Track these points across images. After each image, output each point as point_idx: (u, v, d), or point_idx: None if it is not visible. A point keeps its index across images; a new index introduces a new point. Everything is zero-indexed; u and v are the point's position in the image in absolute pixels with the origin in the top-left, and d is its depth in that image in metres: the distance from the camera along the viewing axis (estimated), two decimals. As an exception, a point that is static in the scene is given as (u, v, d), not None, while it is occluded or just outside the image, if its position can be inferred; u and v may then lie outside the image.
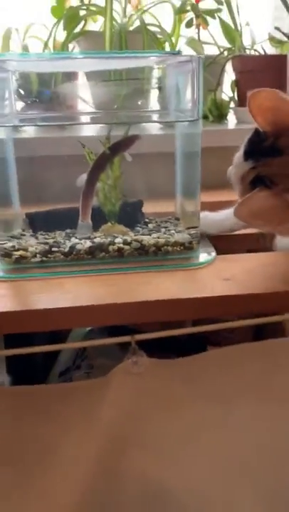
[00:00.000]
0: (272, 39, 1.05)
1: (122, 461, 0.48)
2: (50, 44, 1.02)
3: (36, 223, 0.65)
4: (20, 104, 0.70)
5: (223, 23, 1.10)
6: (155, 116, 0.75)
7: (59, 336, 0.71)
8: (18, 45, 1.02)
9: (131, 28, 1.02)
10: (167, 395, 0.52)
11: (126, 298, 0.52)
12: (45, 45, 1.01)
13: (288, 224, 0.52)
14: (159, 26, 1.02)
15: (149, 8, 1.05)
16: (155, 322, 0.56)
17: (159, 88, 0.72)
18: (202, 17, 1.07)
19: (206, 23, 1.07)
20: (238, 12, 1.11)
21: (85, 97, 0.73)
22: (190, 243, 0.61)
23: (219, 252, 0.64)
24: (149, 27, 1.00)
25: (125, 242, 0.60)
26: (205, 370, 0.53)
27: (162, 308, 0.51)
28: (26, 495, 0.50)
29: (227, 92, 1.10)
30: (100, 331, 0.70)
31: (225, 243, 0.72)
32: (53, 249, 0.59)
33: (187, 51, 1.08)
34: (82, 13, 1.02)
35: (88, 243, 0.59)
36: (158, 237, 0.61)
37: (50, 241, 0.61)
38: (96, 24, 1.07)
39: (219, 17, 1.09)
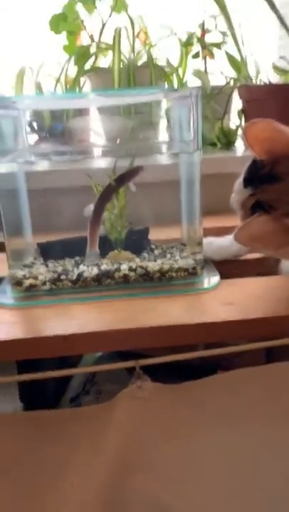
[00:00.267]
0: (276, 68, 1.08)
1: (128, 485, 0.49)
2: (62, 79, 1.08)
3: (47, 252, 0.68)
4: (34, 137, 0.74)
5: (228, 54, 1.14)
6: (161, 147, 0.78)
7: (71, 361, 0.73)
8: (31, 82, 1.07)
9: (139, 63, 1.06)
10: (172, 419, 0.53)
11: (131, 324, 0.53)
12: (57, 80, 1.06)
13: (288, 248, 0.53)
14: (167, 60, 1.06)
15: (157, 43, 1.09)
16: (165, 346, 0.57)
17: (166, 120, 0.75)
18: (208, 49, 1.11)
19: (212, 55, 1.11)
20: (242, 43, 1.15)
21: (97, 129, 0.77)
22: (194, 269, 0.62)
23: (229, 277, 0.65)
24: (156, 61, 1.04)
25: (130, 269, 0.62)
26: (209, 394, 0.53)
27: (166, 334, 0.52)
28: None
29: (234, 120, 1.13)
30: (109, 357, 0.71)
31: (234, 268, 0.73)
32: (62, 276, 0.61)
33: (194, 82, 1.12)
34: (92, 50, 1.07)
35: (95, 270, 0.61)
36: (162, 263, 0.63)
37: (60, 269, 0.63)
38: (106, 59, 1.12)
39: (225, 49, 1.13)
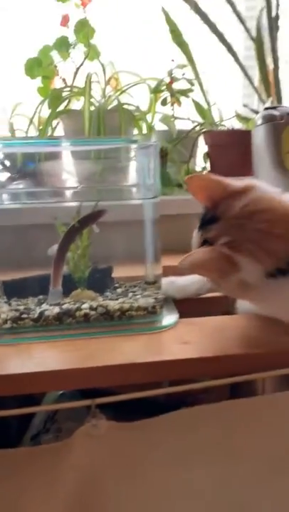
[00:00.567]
0: (238, 116, 1.15)
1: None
2: (36, 120, 1.12)
3: (10, 290, 0.69)
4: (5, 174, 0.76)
5: (195, 102, 1.21)
6: (126, 190, 0.81)
7: (35, 399, 0.73)
8: (5, 122, 1.11)
9: (110, 107, 1.11)
10: (128, 457, 0.54)
11: (89, 363, 0.55)
12: (31, 121, 1.10)
13: (229, 277, 0.57)
14: (136, 106, 1.11)
15: (127, 88, 1.15)
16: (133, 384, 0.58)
17: (130, 166, 0.79)
18: (176, 96, 1.17)
19: (179, 102, 1.17)
20: (208, 91, 1.23)
21: (68, 172, 0.80)
22: (153, 307, 0.65)
23: (190, 315, 0.68)
24: (126, 106, 1.09)
25: (91, 308, 0.63)
26: (164, 432, 0.55)
27: (122, 372, 0.54)
28: None
29: (200, 163, 1.19)
30: (71, 394, 0.72)
31: (194, 306, 0.76)
32: (23, 315, 0.62)
33: (163, 127, 1.18)
34: (65, 93, 1.12)
35: (56, 309, 0.63)
36: (123, 302, 0.65)
37: (22, 307, 0.65)
38: (79, 103, 1.17)
39: (191, 96, 1.19)
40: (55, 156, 0.82)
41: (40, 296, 0.68)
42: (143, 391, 0.54)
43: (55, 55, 1.14)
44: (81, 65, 1.11)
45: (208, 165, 1.16)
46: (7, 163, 0.78)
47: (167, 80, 1.15)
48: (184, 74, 1.17)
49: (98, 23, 1.11)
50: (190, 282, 0.74)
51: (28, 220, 0.82)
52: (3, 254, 0.73)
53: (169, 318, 0.65)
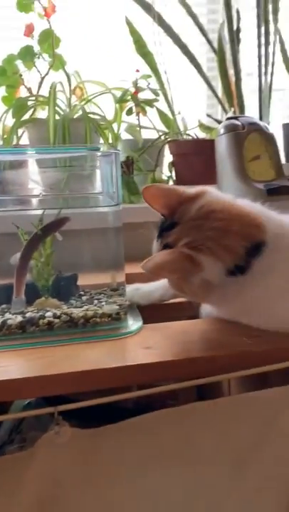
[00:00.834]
0: (201, 125, 1.17)
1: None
2: (0, 129, 1.11)
3: (-27, 299, 0.69)
4: None
5: (159, 111, 1.23)
6: (90, 198, 0.82)
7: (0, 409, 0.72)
8: None
9: (76, 116, 1.12)
10: (92, 464, 0.54)
11: (53, 370, 0.55)
12: (-5, 130, 1.10)
13: (191, 278, 0.59)
14: (101, 115, 1.13)
15: (92, 98, 1.16)
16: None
17: (95, 174, 0.79)
18: (141, 106, 1.19)
19: (144, 111, 1.19)
20: (172, 101, 1.25)
21: (32, 180, 0.80)
22: (117, 314, 0.65)
23: (154, 321, 0.69)
24: (92, 115, 1.10)
25: (55, 316, 0.63)
26: (129, 437, 0.55)
27: (86, 379, 0.54)
28: None
29: (166, 171, 1.20)
30: (36, 403, 0.71)
31: (159, 312, 0.77)
32: (-14, 325, 0.62)
33: (129, 135, 1.19)
34: (30, 103, 1.12)
35: (19, 318, 0.63)
36: (87, 310, 0.65)
37: (-16, 317, 0.64)
38: (44, 112, 1.17)
39: (156, 106, 1.21)
40: (20, 165, 0.82)
41: (4, 306, 0.68)
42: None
43: (20, 64, 1.14)
44: (46, 74, 1.12)
45: (173, 174, 1.18)
46: None
47: (132, 89, 1.17)
48: (148, 84, 1.19)
49: (64, 33, 1.12)
50: (154, 288, 0.75)
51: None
52: None
53: (133, 324, 0.66)
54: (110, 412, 0.62)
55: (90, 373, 0.54)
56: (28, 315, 0.64)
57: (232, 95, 1.28)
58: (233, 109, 1.26)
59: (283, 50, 1.30)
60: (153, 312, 0.74)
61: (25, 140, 1.14)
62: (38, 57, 1.12)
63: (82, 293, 0.74)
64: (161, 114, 1.24)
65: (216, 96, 1.31)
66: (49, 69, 1.12)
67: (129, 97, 1.18)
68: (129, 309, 0.70)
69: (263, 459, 0.59)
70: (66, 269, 0.74)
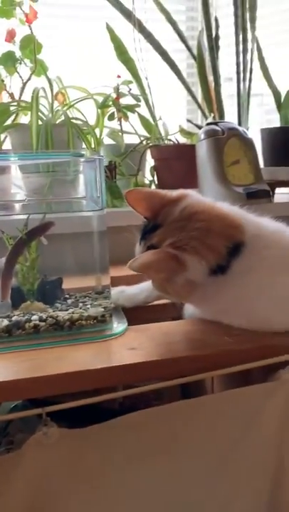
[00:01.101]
0: (182, 131, 1.20)
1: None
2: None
3: None
4: None
5: (141, 116, 1.25)
6: (74, 203, 0.83)
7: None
8: None
9: (58, 121, 1.13)
10: (80, 464, 0.55)
11: (39, 372, 0.55)
12: (-23, 135, 1.10)
13: (176, 278, 0.61)
14: (83, 120, 1.14)
15: (74, 103, 1.17)
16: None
17: (78, 179, 0.81)
18: (122, 111, 1.20)
19: (126, 117, 1.21)
20: (153, 106, 1.27)
21: (16, 185, 0.81)
22: (103, 316, 0.67)
23: (139, 322, 0.70)
24: (75, 120, 1.11)
25: (41, 319, 0.64)
26: (116, 436, 0.56)
27: (72, 380, 0.55)
28: None
29: (148, 176, 1.22)
30: (23, 406, 0.72)
31: (144, 314, 0.78)
32: (-28, 329, 0.62)
33: (111, 140, 1.21)
34: (12, 108, 1.12)
35: (5, 322, 0.63)
36: (73, 312, 0.67)
37: None
38: (27, 117, 1.18)
39: (137, 111, 1.23)
40: (2, 170, 0.82)
41: (-11, 310, 0.69)
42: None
43: (1, 69, 1.14)
44: (28, 79, 1.12)
45: (156, 178, 1.20)
46: None
47: (114, 95, 1.19)
48: (130, 90, 1.21)
49: (45, 39, 1.13)
50: (139, 291, 0.77)
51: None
52: None
53: (118, 326, 0.67)
54: (96, 413, 0.63)
55: (77, 375, 0.56)
56: (14, 318, 0.64)
57: (211, 101, 1.31)
58: (212, 115, 1.29)
59: (261, 57, 1.33)
60: (137, 314, 0.75)
61: (7, 145, 1.15)
62: (20, 63, 1.13)
63: (67, 296, 0.75)
64: (142, 119, 1.25)
65: (196, 101, 1.34)
66: (31, 74, 1.12)
67: (111, 103, 1.19)
68: (114, 311, 0.71)
69: (245, 454, 0.61)
70: (51, 273, 0.75)
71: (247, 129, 1.19)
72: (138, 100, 1.22)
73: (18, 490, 0.53)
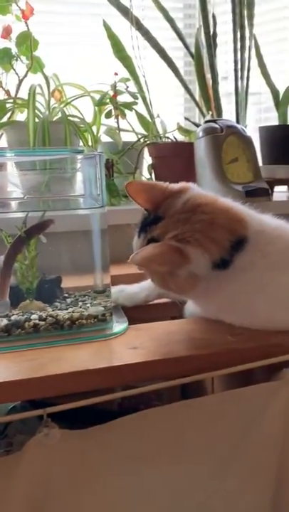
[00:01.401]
0: (180, 128, 1.19)
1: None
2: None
3: None
4: None
5: (138, 114, 1.24)
6: (73, 200, 0.82)
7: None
8: None
9: (55, 119, 1.12)
10: (82, 465, 0.54)
11: (40, 372, 0.55)
12: (-27, 132, 1.09)
13: (179, 271, 0.60)
14: (80, 118, 1.13)
15: (71, 101, 1.16)
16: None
17: (77, 176, 0.80)
18: (120, 109, 1.19)
19: (123, 114, 1.20)
20: (151, 104, 1.26)
21: (13, 183, 0.80)
22: (103, 315, 0.66)
23: (140, 321, 0.69)
24: (72, 118, 1.10)
25: (41, 318, 0.63)
26: (117, 437, 0.55)
27: (73, 380, 0.54)
28: None
29: (146, 174, 1.21)
30: (21, 407, 0.71)
31: (144, 313, 0.77)
32: None
33: (108, 138, 1.20)
34: (8, 105, 1.11)
35: (4, 321, 0.62)
36: (73, 311, 0.66)
37: None
38: (23, 114, 1.16)
39: (135, 109, 1.22)
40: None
41: (-12, 309, 0.67)
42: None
43: (-3, 66, 1.13)
44: (24, 76, 1.11)
45: (153, 176, 1.19)
46: None
47: (111, 93, 1.18)
48: (127, 87, 1.20)
49: (42, 36, 1.12)
50: (139, 290, 0.76)
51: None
52: None
53: (118, 325, 0.66)
54: (95, 415, 0.62)
55: (78, 375, 0.55)
56: (13, 318, 0.63)
57: (209, 99, 1.30)
58: (210, 113, 1.28)
59: (258, 55, 1.33)
60: (138, 313, 0.74)
61: (3, 143, 1.13)
62: (16, 60, 1.12)
63: (66, 295, 0.74)
64: (140, 117, 1.25)
65: (194, 99, 1.33)
66: (27, 71, 1.11)
67: (108, 100, 1.18)
68: (114, 310, 0.70)
69: (248, 454, 0.60)
70: (51, 272, 0.74)
71: (245, 127, 1.18)
72: (135, 98, 1.21)
73: (19, 490, 0.52)
